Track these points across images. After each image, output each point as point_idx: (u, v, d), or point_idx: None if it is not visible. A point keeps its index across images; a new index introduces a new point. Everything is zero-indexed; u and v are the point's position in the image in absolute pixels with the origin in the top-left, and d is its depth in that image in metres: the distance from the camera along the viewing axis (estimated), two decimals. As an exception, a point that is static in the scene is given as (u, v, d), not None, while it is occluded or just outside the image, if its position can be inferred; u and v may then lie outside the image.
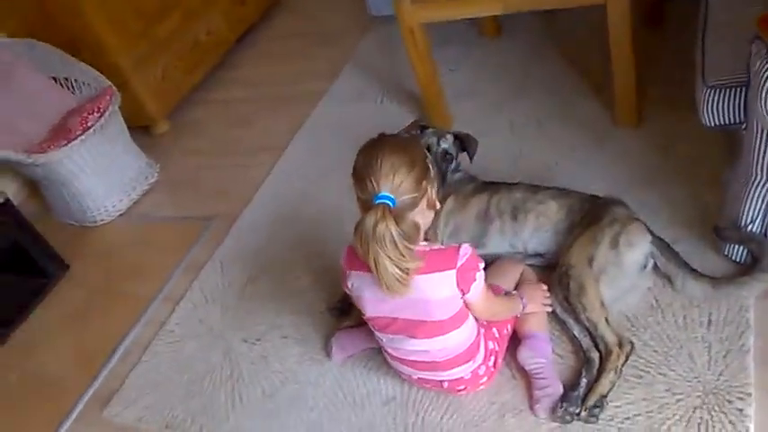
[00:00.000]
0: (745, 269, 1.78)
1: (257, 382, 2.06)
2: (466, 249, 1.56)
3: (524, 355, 1.76)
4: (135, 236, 2.91)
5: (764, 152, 1.59)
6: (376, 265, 1.45)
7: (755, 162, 1.62)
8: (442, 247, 1.61)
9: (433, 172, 1.58)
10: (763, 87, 1.43)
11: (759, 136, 1.57)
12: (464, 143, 2.21)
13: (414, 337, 1.64)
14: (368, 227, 1.41)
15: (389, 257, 1.43)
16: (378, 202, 1.43)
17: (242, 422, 1.97)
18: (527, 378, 1.77)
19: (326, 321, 2.12)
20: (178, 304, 2.43)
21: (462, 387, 1.75)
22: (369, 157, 1.48)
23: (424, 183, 1.52)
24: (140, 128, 3.34)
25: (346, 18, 3.78)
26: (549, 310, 1.84)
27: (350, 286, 1.66)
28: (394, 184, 1.45)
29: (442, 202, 2.11)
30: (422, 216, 1.56)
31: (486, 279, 1.82)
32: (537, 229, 1.99)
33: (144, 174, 3.09)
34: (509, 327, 1.81)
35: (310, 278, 2.11)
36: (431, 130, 2.24)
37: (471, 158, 2.21)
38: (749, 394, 1.58)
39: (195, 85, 3.57)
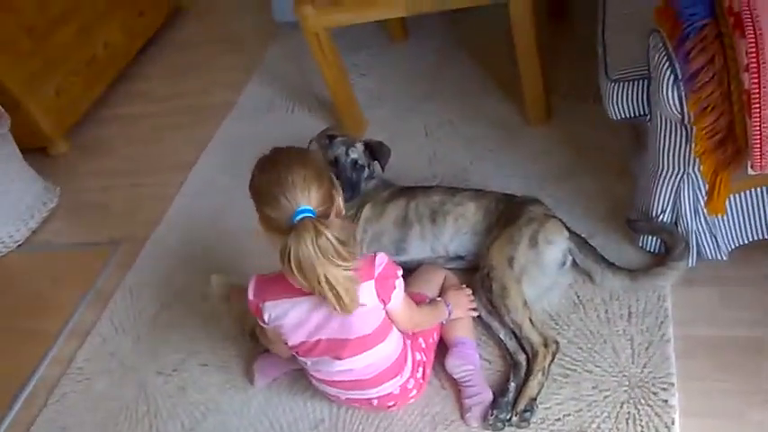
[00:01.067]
0: (660, 259, 1.80)
1: (176, 416, 1.94)
2: (381, 258, 1.51)
3: (452, 363, 1.72)
4: (36, 267, 2.71)
5: (669, 144, 1.61)
6: (328, 283, 1.36)
7: (661, 154, 1.64)
8: (357, 259, 1.54)
9: (335, 180, 1.52)
10: (663, 80, 1.44)
11: (663, 128, 1.59)
12: (375, 152, 2.16)
13: (339, 358, 1.57)
14: (306, 248, 1.32)
15: (339, 266, 1.35)
16: (300, 217, 1.35)
17: (162, 461, 1.85)
18: (456, 387, 1.73)
19: (246, 346, 2.01)
20: (86, 339, 2.27)
21: (392, 403, 1.69)
22: (275, 174, 1.40)
23: (333, 192, 1.46)
24: (36, 150, 3.13)
25: (252, 25, 3.67)
26: (475, 314, 1.81)
27: (266, 319, 1.57)
28: (310, 197, 1.38)
29: (358, 210, 2.06)
30: (336, 227, 1.49)
31: (408, 287, 1.79)
32: (456, 232, 1.96)
33: (42, 199, 2.88)
34: (435, 335, 1.77)
35: (225, 302, 2.01)
36: (340, 139, 2.18)
37: (383, 167, 2.17)
38: (672, 384, 1.59)
39: (95, 101, 3.38)
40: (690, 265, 1.77)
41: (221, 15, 3.94)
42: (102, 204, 2.86)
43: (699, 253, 1.77)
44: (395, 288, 1.51)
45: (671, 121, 1.55)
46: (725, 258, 1.76)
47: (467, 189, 2.05)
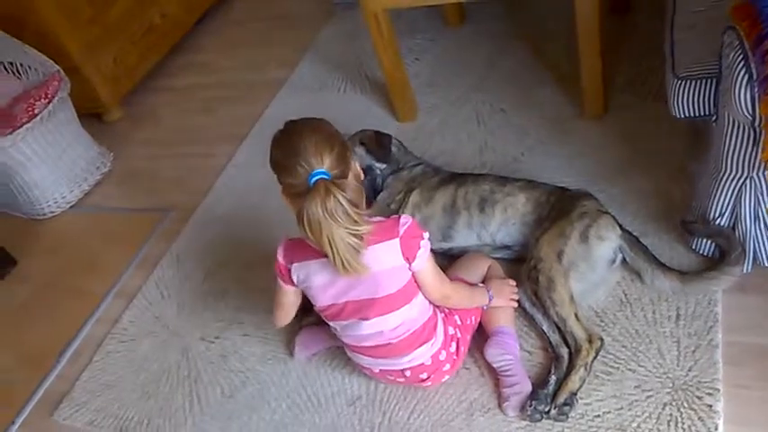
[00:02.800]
0: (713, 263, 1.76)
1: (216, 382, 1.98)
2: (406, 218, 1.54)
3: (492, 352, 1.71)
4: (86, 229, 2.78)
5: (734, 146, 1.56)
6: (331, 244, 1.40)
7: (725, 156, 1.60)
8: (382, 219, 1.56)
9: (348, 144, 1.54)
10: (736, 80, 1.40)
11: (729, 129, 1.55)
12: (370, 146, 2.18)
13: (365, 319, 1.59)
14: (316, 208, 1.36)
15: (345, 228, 1.39)
16: (315, 179, 1.38)
17: (200, 424, 1.89)
18: (495, 376, 1.73)
19: (288, 319, 2.04)
20: (132, 301, 2.33)
21: (425, 375, 1.69)
22: (288, 146, 1.44)
23: (347, 154, 1.49)
24: (92, 115, 3.22)
25: (308, 3, 3.67)
26: (516, 305, 1.81)
27: (296, 281, 1.60)
28: (324, 161, 1.41)
29: (406, 195, 2.07)
30: (350, 191, 1.49)
31: (450, 272, 1.79)
32: (504, 222, 1.95)
33: (96, 163, 2.96)
34: (473, 318, 1.76)
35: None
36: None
37: (382, 159, 2.18)
38: (718, 390, 1.56)
39: (150, 71, 3.44)
40: (744, 271, 1.73)
41: (278, -8, 3.96)
42: (153, 172, 2.92)
43: (755, 259, 1.73)
44: (420, 248, 1.52)
45: (738, 123, 1.51)
46: (781, 266, 1.72)
47: (517, 179, 2.04)
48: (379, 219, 1.56)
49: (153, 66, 3.44)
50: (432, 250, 1.59)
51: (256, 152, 2.78)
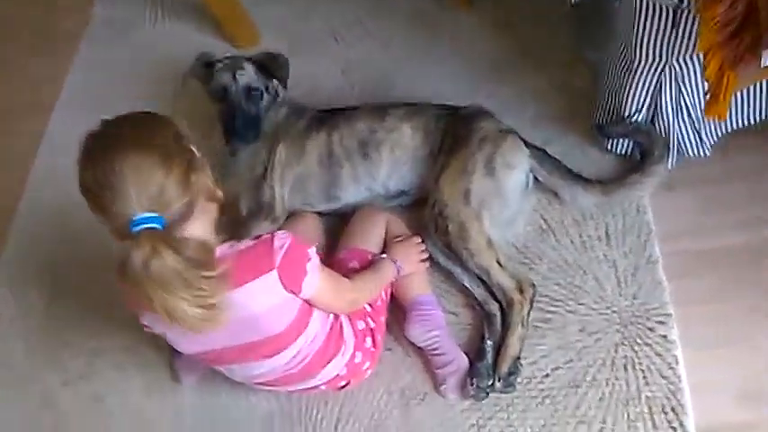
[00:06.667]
0: (634, 165, 1.55)
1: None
2: (282, 240, 1.17)
3: (414, 331, 1.45)
4: None
5: (649, 30, 1.30)
6: (169, 314, 1.03)
7: (638, 43, 1.33)
8: (248, 242, 1.19)
9: (195, 149, 1.14)
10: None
11: (642, 12, 1.26)
12: (268, 67, 1.73)
13: (254, 361, 1.28)
14: (137, 269, 0.99)
15: (183, 299, 1.02)
16: (138, 228, 0.99)
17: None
18: (424, 355, 1.47)
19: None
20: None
21: (344, 383, 1.43)
22: (102, 169, 1.03)
23: (193, 176, 1.08)
24: None
25: None
26: (427, 265, 1.53)
27: (146, 324, 1.25)
28: (152, 195, 1.02)
29: (271, 152, 1.68)
30: (204, 216, 1.14)
31: (344, 244, 1.49)
32: (394, 165, 1.64)
33: None
34: (384, 294, 1.49)
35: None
36: (220, 64, 1.73)
37: (284, 83, 1.75)
38: (669, 315, 1.40)
39: None
40: (669, 167, 1.53)
41: None
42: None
43: (678, 153, 1.52)
44: (306, 273, 1.18)
45: (651, 4, 1.22)
46: (708, 154, 1.52)
47: (397, 105, 1.69)
48: (245, 243, 1.18)
49: None
50: (319, 213, 1.34)
51: (69, 124, 2.22)
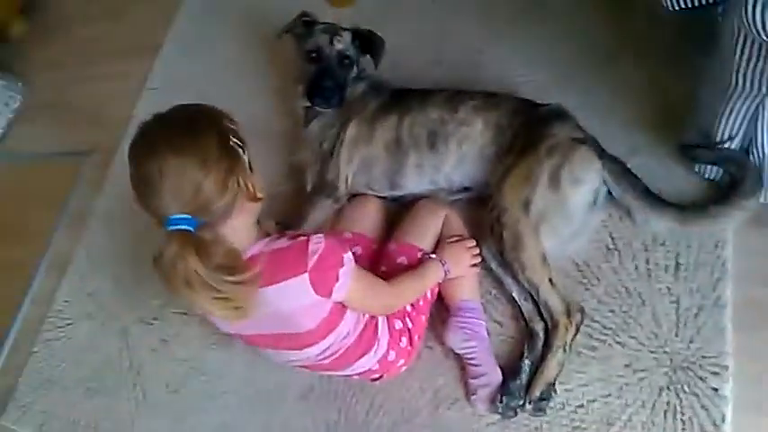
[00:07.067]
0: (721, 194, 1.39)
1: (160, 374, 1.77)
2: (317, 242, 1.17)
3: (453, 338, 1.44)
4: (7, 184, 2.46)
5: (747, 58, 1.13)
6: (195, 306, 1.10)
7: (737, 69, 1.17)
8: (285, 242, 1.19)
9: (241, 151, 1.13)
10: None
11: (741, 38, 1.10)
12: (366, 43, 1.70)
13: (290, 349, 1.32)
14: (166, 264, 1.05)
15: (206, 298, 1.07)
16: (170, 229, 1.04)
17: (149, 425, 1.71)
18: (461, 359, 1.46)
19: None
20: (64, 275, 2.07)
21: (377, 376, 1.46)
22: (144, 165, 1.07)
23: (233, 179, 1.09)
24: (-3, 37, 2.72)
25: None
26: (478, 270, 1.50)
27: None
28: (186, 197, 1.05)
29: (341, 129, 1.67)
30: (243, 216, 1.16)
31: (399, 237, 1.48)
32: (461, 160, 1.58)
33: (3, 99, 2.55)
34: (429, 293, 1.47)
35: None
36: (320, 26, 1.71)
37: (377, 64, 1.71)
38: (726, 367, 1.28)
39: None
40: (761, 202, 1.36)
41: None
42: (67, 102, 2.52)
43: (773, 187, 1.35)
44: (337, 279, 1.18)
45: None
46: (808, 194, 1.34)
47: (473, 93, 1.61)
48: (280, 243, 1.19)
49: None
50: (382, 197, 1.40)
51: (176, 66, 2.34)
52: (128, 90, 2.36)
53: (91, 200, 2.18)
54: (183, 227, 1.05)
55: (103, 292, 1.98)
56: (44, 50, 2.73)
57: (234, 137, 1.13)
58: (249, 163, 1.15)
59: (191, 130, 1.10)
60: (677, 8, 1.25)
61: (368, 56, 1.72)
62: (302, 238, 1.19)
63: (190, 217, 1.06)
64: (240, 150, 1.14)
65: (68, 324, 1.97)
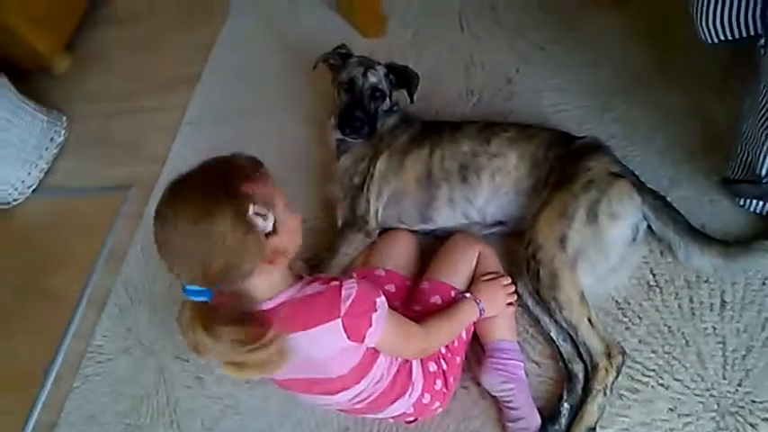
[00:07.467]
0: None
1: (195, 411, 1.77)
2: (350, 287, 1.14)
3: (489, 380, 1.40)
4: (52, 217, 2.51)
5: (792, 92, 1.08)
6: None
7: (780, 102, 1.11)
8: (317, 287, 1.17)
9: (261, 220, 1.07)
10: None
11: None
12: (401, 78, 1.70)
13: (323, 394, 1.30)
14: (183, 326, 1.07)
15: (224, 365, 1.09)
16: (186, 295, 1.05)
17: (185, 463, 1.71)
18: (498, 401, 1.42)
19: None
20: (103, 309, 2.10)
21: (412, 419, 1.43)
22: (157, 234, 1.06)
23: (252, 247, 1.05)
24: (38, 71, 2.80)
25: None
26: (514, 308, 1.46)
27: None
28: (195, 272, 1.04)
29: (371, 162, 1.66)
30: (266, 274, 1.13)
31: (431, 273, 1.45)
32: (494, 193, 1.55)
33: (48, 134, 2.61)
34: (464, 333, 1.43)
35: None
36: (355, 58, 1.73)
37: (412, 98, 1.72)
38: (777, 414, 1.22)
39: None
40: (811, 238, 1.30)
41: None
42: (107, 136, 2.57)
43: (824, 224, 1.29)
44: (370, 325, 1.15)
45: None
46: None
47: (506, 125, 1.58)
48: (313, 288, 1.17)
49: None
50: (414, 231, 1.38)
51: (213, 97, 2.38)
52: (166, 123, 2.41)
53: (130, 234, 2.22)
54: (199, 298, 1.04)
55: (141, 327, 2.00)
56: (84, 84, 2.80)
57: (255, 203, 1.07)
58: (275, 223, 1.09)
59: (206, 201, 1.04)
60: (716, 41, 1.20)
61: (403, 90, 1.72)
62: (335, 282, 1.17)
63: (202, 289, 1.05)
64: (260, 219, 1.07)
65: (108, 360, 2.00)
